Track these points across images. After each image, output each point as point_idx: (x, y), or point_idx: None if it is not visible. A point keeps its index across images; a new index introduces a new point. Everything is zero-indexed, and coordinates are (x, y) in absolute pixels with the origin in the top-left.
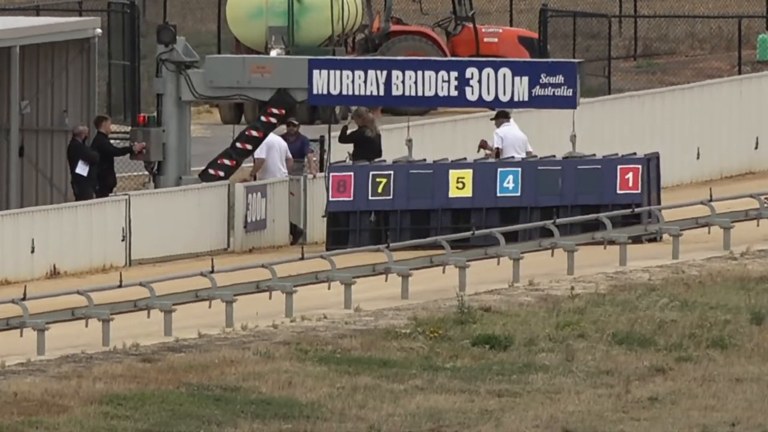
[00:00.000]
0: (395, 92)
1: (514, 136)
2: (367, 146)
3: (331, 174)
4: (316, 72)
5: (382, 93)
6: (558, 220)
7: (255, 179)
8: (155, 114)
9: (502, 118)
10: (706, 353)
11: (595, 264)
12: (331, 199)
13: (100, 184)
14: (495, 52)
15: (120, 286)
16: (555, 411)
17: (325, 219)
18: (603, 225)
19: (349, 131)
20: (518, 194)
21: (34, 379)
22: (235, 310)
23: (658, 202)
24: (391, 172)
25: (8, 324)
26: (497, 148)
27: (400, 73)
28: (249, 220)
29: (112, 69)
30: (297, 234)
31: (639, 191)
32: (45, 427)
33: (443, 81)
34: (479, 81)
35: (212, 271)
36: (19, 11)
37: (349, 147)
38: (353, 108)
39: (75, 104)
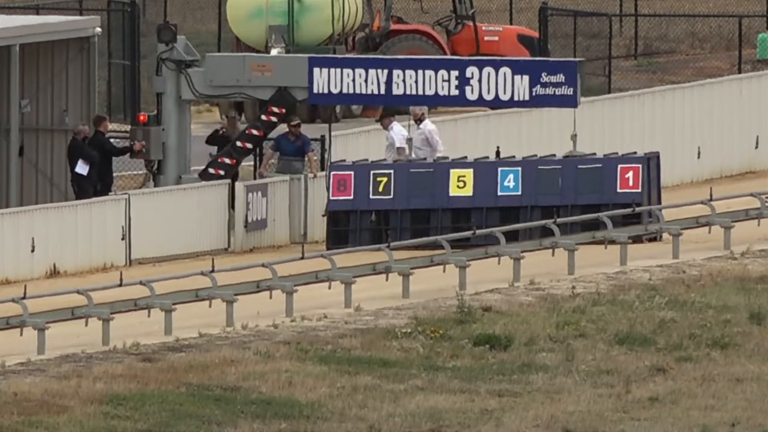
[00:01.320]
0: (396, 91)
1: (405, 136)
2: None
3: (331, 173)
4: (316, 71)
5: (382, 92)
6: (558, 220)
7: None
8: (155, 113)
9: (390, 117)
10: (706, 353)
11: (596, 263)
12: (331, 198)
13: (102, 184)
14: (495, 51)
15: (120, 286)
16: (555, 411)
17: (325, 218)
18: (603, 224)
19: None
20: (519, 193)
21: (34, 378)
22: (235, 309)
23: (659, 202)
24: (392, 171)
25: (8, 323)
26: (402, 148)
27: (400, 72)
28: (249, 219)
29: (112, 68)
30: None
31: (639, 190)
32: (45, 427)
33: (443, 80)
34: (479, 80)
35: (212, 271)
36: (19, 10)
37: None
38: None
39: (75, 103)
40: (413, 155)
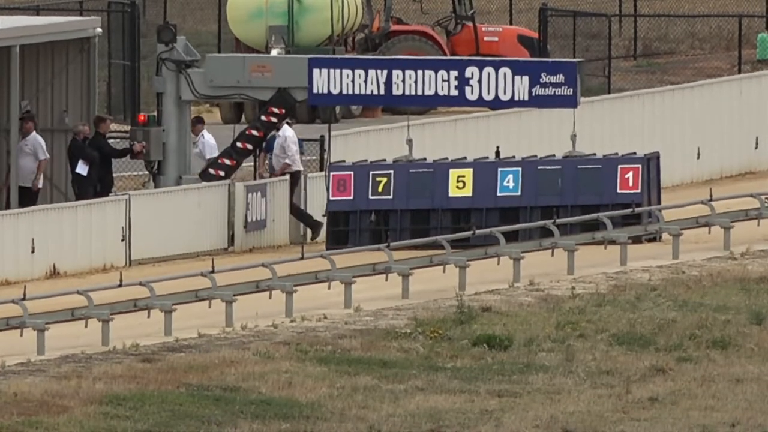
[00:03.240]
0: (395, 92)
1: (214, 145)
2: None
3: (331, 173)
4: (316, 71)
5: (382, 92)
6: (558, 220)
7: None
8: (155, 113)
9: (201, 123)
10: (706, 353)
11: (596, 264)
12: (331, 198)
13: (101, 185)
14: (495, 52)
15: (120, 286)
16: (555, 411)
17: (325, 218)
18: (603, 225)
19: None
20: (518, 194)
21: (34, 379)
22: (235, 310)
23: (658, 202)
24: (392, 172)
25: (8, 324)
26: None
27: (400, 73)
28: (249, 219)
29: (112, 68)
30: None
31: (639, 191)
32: (45, 427)
33: (443, 80)
34: (479, 80)
35: (212, 271)
36: (19, 11)
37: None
38: None
39: (75, 104)
40: (274, 161)
